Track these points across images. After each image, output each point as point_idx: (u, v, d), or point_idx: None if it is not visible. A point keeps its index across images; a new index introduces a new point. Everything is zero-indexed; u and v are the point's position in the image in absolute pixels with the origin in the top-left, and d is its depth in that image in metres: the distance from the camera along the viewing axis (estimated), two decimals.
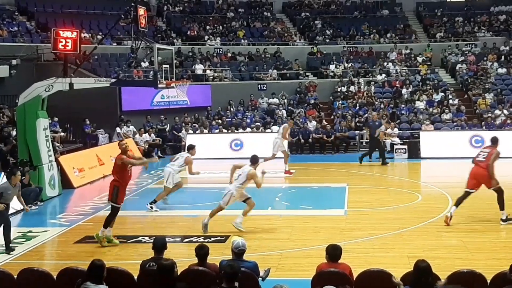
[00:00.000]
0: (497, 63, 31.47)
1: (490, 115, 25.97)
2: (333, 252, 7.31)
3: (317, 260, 8.32)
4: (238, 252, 7.49)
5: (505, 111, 26.30)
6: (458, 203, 12.42)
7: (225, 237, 11.42)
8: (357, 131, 25.78)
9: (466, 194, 12.42)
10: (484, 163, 12.21)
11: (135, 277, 7.12)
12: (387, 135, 24.00)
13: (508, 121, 25.37)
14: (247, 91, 29.48)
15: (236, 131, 25.40)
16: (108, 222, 11.27)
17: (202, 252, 7.33)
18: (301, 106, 28.70)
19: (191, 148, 15.04)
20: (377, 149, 22.03)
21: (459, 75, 31.07)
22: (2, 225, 10.92)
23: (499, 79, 30.35)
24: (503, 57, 32.12)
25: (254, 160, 12.33)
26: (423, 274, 6.09)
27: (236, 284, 6.32)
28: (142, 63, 25.48)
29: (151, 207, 14.36)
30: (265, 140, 22.04)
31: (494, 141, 12.74)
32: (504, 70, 30.95)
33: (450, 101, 28.07)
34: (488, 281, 6.65)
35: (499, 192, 12.23)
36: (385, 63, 32.11)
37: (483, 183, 12.32)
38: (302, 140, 24.96)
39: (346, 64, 32.00)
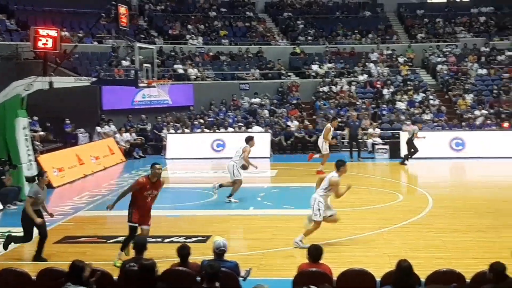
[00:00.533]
0: (477, 64, 31.75)
1: (470, 115, 26.20)
2: (315, 252, 7.41)
3: (299, 260, 8.34)
4: (219, 252, 7.51)
5: (485, 112, 26.56)
6: None
7: (207, 237, 11.37)
8: (338, 131, 25.83)
9: None
10: None
11: (115, 278, 7.07)
12: (369, 135, 24.14)
13: (488, 122, 25.63)
14: (229, 91, 29.44)
15: (218, 131, 25.37)
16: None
17: (184, 253, 7.32)
18: (283, 106, 28.71)
19: (250, 139, 15.51)
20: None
21: (440, 76, 31.30)
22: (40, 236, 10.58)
23: (479, 80, 30.61)
24: (483, 58, 32.39)
25: (340, 166, 11.20)
26: (405, 274, 6.13)
27: (217, 284, 6.32)
28: (123, 62, 25.36)
29: (229, 200, 15.03)
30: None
31: None
32: (484, 71, 31.21)
33: (431, 102, 28.28)
34: (468, 280, 6.69)
35: None
36: (367, 64, 32.24)
37: None
38: (284, 141, 24.97)
39: (328, 64, 32.07)
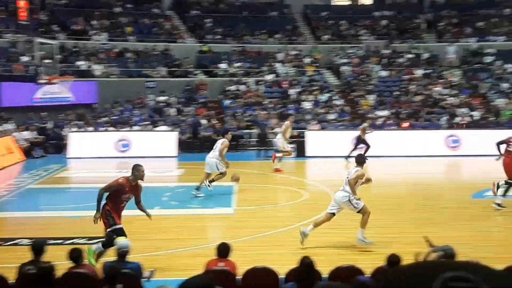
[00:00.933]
0: (379, 65, 32.85)
1: (372, 115, 27.07)
2: (223, 250, 7.51)
3: (205, 259, 8.25)
4: (121, 253, 7.37)
5: (386, 112, 27.53)
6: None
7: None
8: (246, 130, 25.98)
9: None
10: None
11: (12, 281, 6.72)
12: (276, 134, 24.35)
13: (389, 122, 26.58)
14: (135, 89, 28.91)
15: (123, 129, 24.84)
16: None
17: (74, 255, 7.10)
18: (191, 104, 28.52)
19: (225, 132, 16.15)
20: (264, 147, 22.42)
21: (344, 77, 32.14)
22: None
23: (381, 81, 31.70)
24: (384, 60, 33.55)
25: (361, 160, 11.23)
26: (308, 270, 6.21)
27: (119, 286, 6.15)
28: (23, 58, 24.29)
29: (209, 185, 15.26)
30: (154, 138, 21.67)
31: None
32: (386, 72, 32.35)
33: (335, 102, 28.98)
34: (369, 275, 6.83)
35: None
36: (274, 64, 32.61)
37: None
38: (192, 139, 24.82)
39: (236, 63, 32.17)
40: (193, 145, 24.80)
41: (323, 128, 25.73)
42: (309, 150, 23.21)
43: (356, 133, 22.36)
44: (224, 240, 8.82)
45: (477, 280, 1.50)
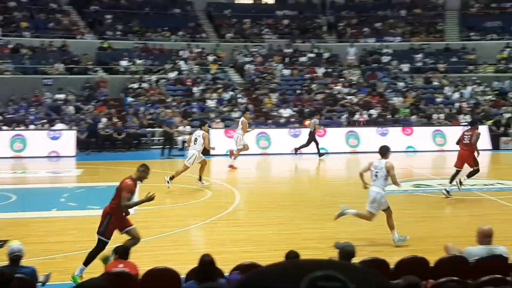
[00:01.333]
0: (282, 64, 33.27)
1: (275, 113, 27.36)
2: (122, 252, 7.48)
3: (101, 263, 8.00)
4: (14, 257, 7.05)
5: (289, 110, 27.90)
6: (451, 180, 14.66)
7: (3, 241, 10.47)
8: (149, 128, 25.53)
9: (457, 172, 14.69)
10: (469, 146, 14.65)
11: None
12: (179, 132, 24.12)
13: (292, 119, 26.95)
14: (31, 86, 27.71)
15: (18, 128, 23.72)
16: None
17: None
18: (91, 102, 27.67)
19: (203, 124, 16.68)
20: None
21: (248, 75, 32.29)
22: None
23: (284, 79, 32.10)
24: (287, 59, 34.02)
25: (385, 151, 10.86)
26: (207, 268, 6.16)
27: None
28: None
29: (168, 182, 15.55)
30: (50, 137, 20.81)
31: (474, 122, 15.93)
32: (288, 71, 32.81)
33: (239, 100, 29.06)
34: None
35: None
36: (177, 61, 32.26)
37: (467, 163, 14.69)
38: (91, 138, 24.08)
39: (137, 61, 31.56)
40: (92, 144, 24.04)
41: (227, 126, 25.71)
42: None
43: (261, 130, 22.51)
44: (124, 242, 8.59)
45: (345, 279, 1.45)
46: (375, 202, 10.46)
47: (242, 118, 20.67)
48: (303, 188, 17.03)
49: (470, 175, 14.87)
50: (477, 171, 14.82)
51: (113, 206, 9.07)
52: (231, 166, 19.69)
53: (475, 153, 14.72)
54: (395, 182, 10.55)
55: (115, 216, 9.02)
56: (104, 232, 8.90)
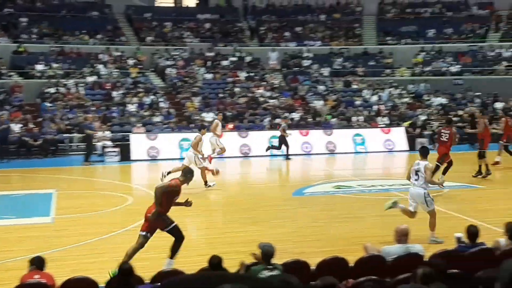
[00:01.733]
0: (204, 68, 33.14)
1: (198, 117, 27.19)
2: (38, 262, 7.25)
3: (20, 273, 7.66)
4: None
5: (212, 114, 27.78)
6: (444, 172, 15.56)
7: None
8: (66, 134, 24.81)
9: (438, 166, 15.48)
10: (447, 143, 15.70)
11: None
12: (99, 137, 23.54)
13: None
14: None
15: None
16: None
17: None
18: (5, 107, 26.56)
19: (202, 128, 17.00)
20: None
21: (169, 79, 31.95)
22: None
23: (206, 83, 31.97)
24: (209, 62, 33.90)
25: (426, 152, 11.21)
26: (125, 277, 6.04)
27: None
28: None
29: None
30: None
31: (449, 121, 17.02)
32: (210, 75, 32.71)
33: (161, 104, 28.70)
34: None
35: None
36: (96, 65, 31.54)
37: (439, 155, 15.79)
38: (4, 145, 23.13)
39: (54, 64, 30.61)
40: (5, 152, 23.02)
41: (148, 131, 25.34)
42: (134, 154, 22.72)
43: (184, 135, 22.27)
44: (42, 251, 8.33)
45: None
46: (419, 201, 10.70)
47: (216, 121, 20.44)
48: (226, 192, 16.96)
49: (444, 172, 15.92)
50: (443, 167, 15.90)
51: (163, 204, 9.27)
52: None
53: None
54: (429, 181, 10.84)
55: (164, 213, 9.29)
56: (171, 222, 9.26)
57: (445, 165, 15.92)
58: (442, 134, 16.01)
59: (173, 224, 9.32)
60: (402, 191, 15.95)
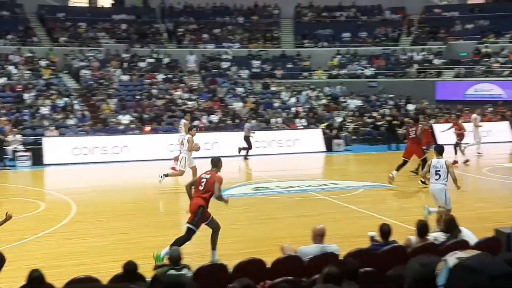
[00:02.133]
0: (120, 69, 32.50)
1: (114, 120, 26.62)
2: None
3: None
4: None
5: (129, 116, 27.29)
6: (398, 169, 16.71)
7: None
8: None
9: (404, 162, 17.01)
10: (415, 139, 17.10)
11: None
12: (10, 141, 22.60)
13: (132, 126, 26.37)
14: None
15: None
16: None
17: None
18: None
19: (190, 129, 16.73)
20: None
21: (84, 81, 31.14)
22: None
23: (122, 85, 31.36)
24: (125, 64, 33.30)
25: (442, 150, 11.60)
26: (35, 285, 5.83)
27: None
28: None
29: (161, 178, 16.03)
30: None
31: (416, 120, 18.30)
32: (127, 77, 32.12)
33: (75, 106, 27.91)
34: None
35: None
36: (6, 66, 30.32)
37: (415, 154, 17.18)
38: None
39: None
40: None
41: (61, 134, 24.56)
42: (46, 158, 21.96)
43: (100, 138, 21.73)
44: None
45: None
46: (438, 196, 11.08)
47: (184, 121, 19.97)
48: (141, 196, 16.64)
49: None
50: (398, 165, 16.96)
51: (206, 197, 9.51)
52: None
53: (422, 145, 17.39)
54: (454, 178, 11.26)
55: (207, 207, 9.55)
56: (198, 223, 9.44)
57: (401, 161, 17.09)
58: (410, 131, 17.44)
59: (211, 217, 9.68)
60: (319, 191, 16.21)
